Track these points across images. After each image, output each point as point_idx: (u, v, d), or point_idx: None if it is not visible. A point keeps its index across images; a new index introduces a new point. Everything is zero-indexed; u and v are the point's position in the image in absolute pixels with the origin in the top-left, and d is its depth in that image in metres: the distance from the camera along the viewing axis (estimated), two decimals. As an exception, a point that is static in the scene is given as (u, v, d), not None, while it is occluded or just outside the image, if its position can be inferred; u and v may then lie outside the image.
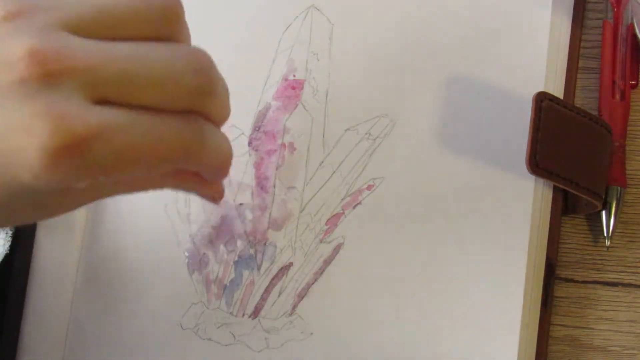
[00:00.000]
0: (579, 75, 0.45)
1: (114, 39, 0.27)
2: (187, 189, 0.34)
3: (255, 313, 0.45)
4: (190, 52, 0.28)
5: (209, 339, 0.45)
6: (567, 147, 0.41)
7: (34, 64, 0.25)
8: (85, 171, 0.25)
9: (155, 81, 0.27)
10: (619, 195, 0.42)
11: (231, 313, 0.45)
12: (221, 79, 0.30)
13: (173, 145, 0.27)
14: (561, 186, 0.41)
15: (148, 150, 0.26)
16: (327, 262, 0.44)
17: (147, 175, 0.31)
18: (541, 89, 0.42)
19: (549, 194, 0.42)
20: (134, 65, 0.26)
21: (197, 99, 0.28)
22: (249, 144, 0.47)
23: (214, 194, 0.35)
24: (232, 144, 0.46)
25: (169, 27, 0.28)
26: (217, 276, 0.46)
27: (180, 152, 0.28)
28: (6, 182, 0.26)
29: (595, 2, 0.45)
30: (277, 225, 0.45)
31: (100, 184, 0.29)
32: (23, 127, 0.24)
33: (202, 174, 0.32)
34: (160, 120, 0.27)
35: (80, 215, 0.49)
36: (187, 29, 0.29)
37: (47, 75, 0.25)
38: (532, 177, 0.41)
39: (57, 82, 0.25)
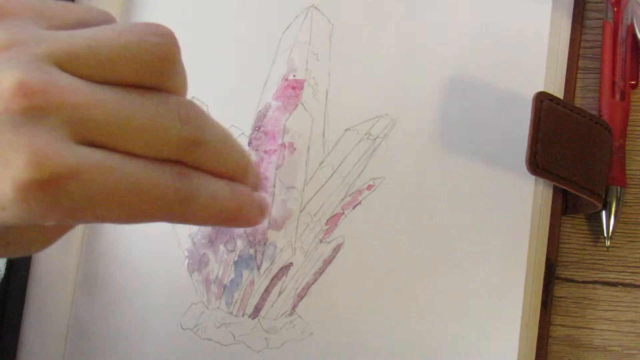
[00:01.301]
0: (579, 75, 0.45)
1: (103, 79, 0.26)
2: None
3: (255, 313, 0.45)
4: (180, 102, 0.27)
5: (209, 339, 0.45)
6: (567, 147, 0.41)
7: (21, 96, 0.24)
8: (55, 211, 0.24)
9: (141, 128, 0.26)
10: (619, 195, 0.42)
11: (231, 313, 0.45)
12: (215, 128, 0.28)
13: (152, 198, 0.26)
14: (561, 186, 0.41)
15: (125, 199, 0.26)
16: (327, 262, 0.44)
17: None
18: (541, 89, 0.42)
19: (549, 194, 0.42)
20: (122, 109, 0.26)
21: (185, 149, 0.27)
22: (249, 143, 0.47)
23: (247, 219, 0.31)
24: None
25: (162, 67, 0.27)
26: (217, 276, 0.46)
27: (159, 207, 0.26)
28: None
29: (595, 2, 0.45)
30: (277, 225, 0.45)
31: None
32: (0, 156, 0.24)
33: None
34: (143, 168, 0.26)
35: (80, 215, 0.49)
36: (182, 70, 0.28)
37: (33, 109, 0.24)
38: (532, 177, 0.41)
39: (42, 116, 0.24)
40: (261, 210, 0.30)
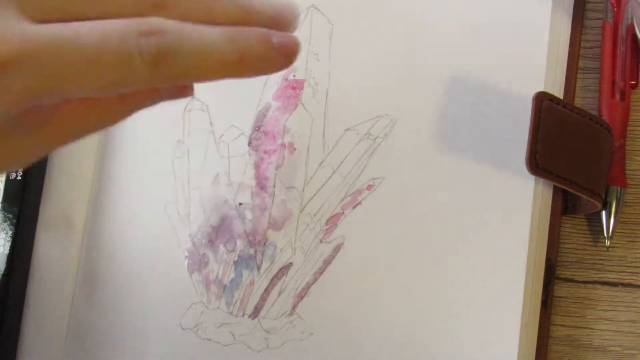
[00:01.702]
0: (579, 75, 0.45)
1: None
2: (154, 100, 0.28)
3: (255, 313, 0.45)
4: None
5: (209, 339, 0.45)
6: (567, 147, 0.41)
7: None
8: (15, 93, 0.23)
9: None
10: (619, 195, 0.42)
11: (231, 313, 0.45)
12: None
13: (111, 64, 0.24)
14: (561, 186, 0.41)
15: (85, 72, 0.23)
16: (327, 262, 0.44)
17: (111, 94, 0.26)
18: (541, 89, 0.42)
19: (549, 194, 0.42)
20: None
21: (152, 5, 0.25)
22: (249, 144, 0.47)
23: (179, 89, 0.28)
24: (232, 143, 0.47)
25: None
26: (216, 276, 0.46)
27: (123, 72, 0.24)
28: None
29: (595, 2, 0.45)
30: (277, 225, 0.45)
31: (56, 121, 0.26)
32: None
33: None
34: (99, 34, 0.24)
35: (80, 215, 0.49)
36: None
37: None
38: (532, 177, 0.41)
39: None
40: (284, 51, 0.25)
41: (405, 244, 0.43)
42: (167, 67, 0.24)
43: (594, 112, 0.43)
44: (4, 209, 0.48)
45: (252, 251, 0.46)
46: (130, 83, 0.24)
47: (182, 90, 0.28)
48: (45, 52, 0.24)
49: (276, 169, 0.46)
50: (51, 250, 0.49)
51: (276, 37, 0.25)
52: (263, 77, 0.47)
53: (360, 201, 0.44)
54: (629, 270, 0.42)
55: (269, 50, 0.25)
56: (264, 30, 0.25)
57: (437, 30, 0.45)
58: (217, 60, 0.25)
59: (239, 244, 0.46)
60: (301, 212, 0.45)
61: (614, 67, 0.43)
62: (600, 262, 0.43)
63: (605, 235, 0.42)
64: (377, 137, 0.45)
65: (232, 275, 0.46)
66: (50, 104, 0.26)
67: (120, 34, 0.24)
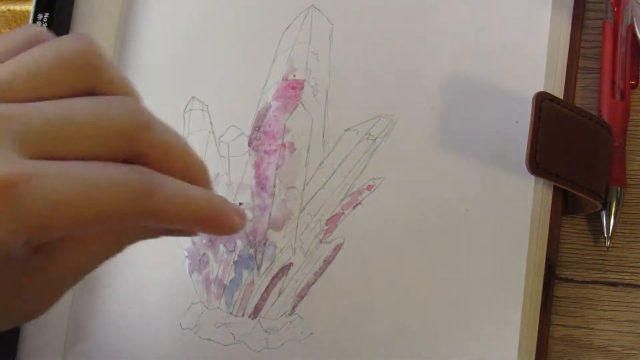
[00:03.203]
0: (579, 75, 0.45)
1: (38, 96, 0.26)
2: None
3: (255, 313, 0.45)
4: (117, 98, 0.27)
5: (209, 339, 0.45)
6: (567, 147, 0.41)
7: None
8: (20, 223, 0.23)
9: (86, 125, 0.26)
10: (619, 195, 0.42)
11: (231, 313, 0.45)
12: (158, 120, 0.27)
13: (114, 192, 0.25)
14: (561, 186, 0.41)
15: (85, 198, 0.24)
16: (327, 262, 0.44)
17: (102, 229, 0.27)
18: (541, 89, 0.42)
19: (549, 194, 0.42)
20: (62, 111, 0.25)
21: (134, 135, 0.26)
22: (249, 144, 0.47)
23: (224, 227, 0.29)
24: (232, 143, 0.47)
25: (90, 75, 0.27)
26: (216, 276, 0.46)
27: (124, 200, 0.25)
28: None
29: (595, 2, 0.45)
30: (277, 225, 0.45)
31: (62, 265, 0.27)
32: None
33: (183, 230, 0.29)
34: (98, 168, 0.25)
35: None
36: (113, 71, 0.28)
37: None
38: (532, 177, 0.41)
39: None
40: (240, 216, 0.29)
41: (405, 244, 0.43)
42: (159, 197, 0.26)
43: (594, 112, 0.43)
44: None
45: (252, 251, 0.46)
46: (126, 213, 0.26)
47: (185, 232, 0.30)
48: (50, 178, 0.24)
49: (276, 169, 0.46)
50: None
51: (233, 204, 0.29)
52: (263, 77, 0.47)
53: (360, 201, 0.44)
54: (629, 270, 0.42)
55: (231, 211, 0.28)
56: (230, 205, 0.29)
57: (437, 30, 0.45)
58: (194, 205, 0.27)
59: (239, 244, 0.46)
60: (301, 212, 0.45)
61: (614, 67, 0.43)
62: (600, 262, 0.43)
63: (605, 235, 0.42)
64: (377, 137, 0.45)
65: (232, 275, 0.46)
66: (49, 238, 0.26)
67: (119, 168, 0.26)
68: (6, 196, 0.23)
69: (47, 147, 0.25)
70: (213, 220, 0.28)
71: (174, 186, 0.27)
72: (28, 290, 0.27)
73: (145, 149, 0.27)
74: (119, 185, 0.25)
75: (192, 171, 0.28)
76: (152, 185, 0.26)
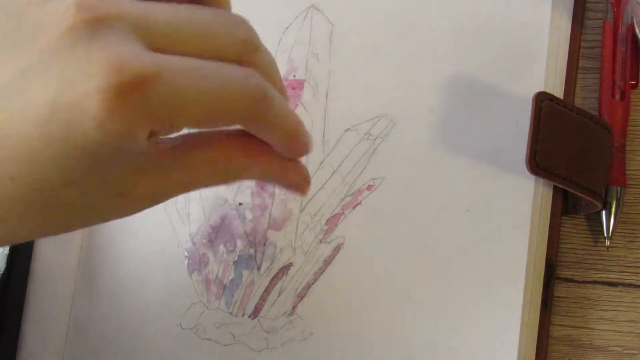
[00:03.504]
0: (579, 75, 0.45)
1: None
2: (266, 175, 0.30)
3: (255, 313, 0.45)
4: (233, 15, 0.28)
5: (209, 339, 0.45)
6: (567, 147, 0.41)
7: (81, 10, 0.24)
8: (149, 114, 0.24)
9: (204, 29, 0.26)
10: (619, 195, 0.42)
11: (231, 313, 0.45)
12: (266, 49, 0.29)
13: (238, 91, 0.26)
14: (561, 186, 0.41)
15: (212, 93, 0.25)
16: (327, 262, 0.44)
17: (213, 127, 0.28)
18: (541, 89, 0.42)
19: (549, 194, 0.42)
20: (181, 14, 0.26)
21: (246, 50, 0.27)
22: (249, 144, 0.47)
23: (298, 180, 0.30)
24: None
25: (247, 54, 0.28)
26: (216, 276, 0.46)
27: (247, 100, 0.26)
28: (72, 144, 0.24)
29: (595, 2, 0.45)
30: (277, 225, 0.45)
31: (173, 173, 0.28)
32: (80, 73, 0.23)
33: (275, 144, 0.29)
34: (220, 66, 0.26)
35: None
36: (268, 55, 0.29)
37: (97, 20, 0.24)
38: (532, 177, 0.41)
39: (108, 24, 0.24)
40: (304, 175, 0.30)
41: (405, 244, 0.43)
42: (267, 107, 0.27)
43: (594, 112, 0.43)
44: (4, 209, 0.48)
45: (252, 251, 0.46)
46: (238, 116, 0.26)
47: (301, 186, 0.31)
48: (180, 74, 0.24)
49: (276, 169, 0.46)
50: (51, 250, 0.49)
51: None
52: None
53: (360, 201, 0.44)
54: (629, 270, 0.42)
55: (307, 141, 0.30)
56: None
57: (437, 30, 0.45)
58: (288, 120, 0.28)
59: (239, 244, 0.46)
60: (301, 212, 0.45)
61: (614, 67, 0.43)
62: (600, 262, 0.43)
63: (605, 235, 0.42)
64: (377, 137, 0.45)
65: (232, 275, 0.46)
66: (168, 132, 0.26)
67: (236, 69, 0.26)
68: (139, 87, 0.23)
69: (165, 43, 0.25)
70: (302, 137, 0.29)
71: (278, 99, 0.27)
72: (145, 184, 0.27)
73: (256, 65, 0.27)
74: (242, 86, 0.26)
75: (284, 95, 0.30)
76: (268, 91, 0.27)
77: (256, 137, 0.28)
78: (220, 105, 0.26)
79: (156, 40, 0.25)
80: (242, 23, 0.27)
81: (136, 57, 0.24)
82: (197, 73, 0.25)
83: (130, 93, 0.23)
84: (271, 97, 0.27)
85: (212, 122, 0.26)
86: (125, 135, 0.24)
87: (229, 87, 0.26)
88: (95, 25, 0.24)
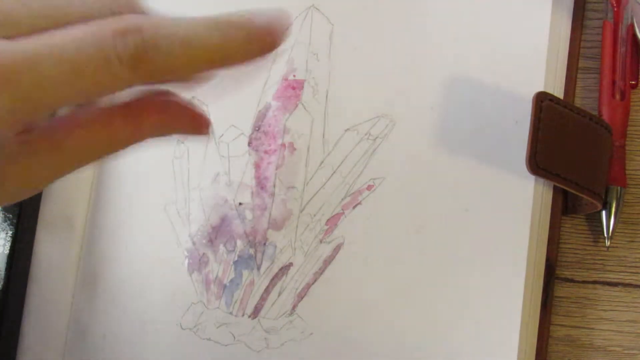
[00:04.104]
0: (579, 75, 0.45)
1: None
2: (154, 134, 0.28)
3: (255, 313, 0.45)
4: None
5: (209, 339, 0.45)
6: (567, 147, 0.41)
7: None
8: (15, 105, 0.23)
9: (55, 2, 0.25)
10: (619, 195, 0.42)
11: (231, 313, 0.45)
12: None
13: (91, 69, 0.23)
14: (561, 186, 0.41)
15: (70, 75, 0.23)
16: (327, 262, 0.44)
17: (97, 99, 0.26)
18: (541, 89, 0.42)
19: (549, 194, 0.42)
20: None
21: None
22: (249, 144, 0.47)
23: (196, 124, 0.28)
24: (232, 143, 0.47)
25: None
26: (216, 276, 0.46)
27: (104, 75, 0.23)
28: None
29: (595, 2, 0.45)
30: (277, 225, 0.45)
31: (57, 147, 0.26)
32: None
33: (180, 79, 0.26)
34: (74, 39, 0.23)
35: (80, 215, 0.49)
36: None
37: None
38: (532, 177, 0.41)
39: None
40: (270, 30, 0.24)
41: (405, 244, 0.43)
42: (148, 64, 0.24)
43: (594, 112, 0.43)
44: (4, 209, 0.48)
45: (252, 251, 0.46)
46: (113, 86, 0.24)
47: (197, 127, 0.28)
48: (23, 66, 0.23)
49: (276, 169, 0.46)
50: (51, 250, 0.49)
51: (260, 17, 0.25)
52: (263, 77, 0.47)
53: (360, 201, 0.44)
54: (629, 270, 0.42)
55: (254, 31, 0.24)
56: (246, 13, 0.25)
57: (437, 30, 0.45)
58: (198, 48, 0.24)
59: (239, 244, 0.46)
60: (301, 212, 0.45)
61: (614, 67, 0.43)
62: (600, 262, 0.43)
63: (605, 235, 0.42)
64: (377, 137, 0.45)
65: (232, 275, 0.46)
66: (42, 119, 0.25)
67: (95, 37, 0.24)
68: (6, 78, 0.23)
69: (22, 25, 0.24)
70: (223, 51, 0.24)
71: (174, 39, 0.24)
72: (24, 169, 0.26)
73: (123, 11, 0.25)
74: (97, 64, 0.23)
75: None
76: (138, 52, 0.24)
77: (146, 97, 0.26)
78: (84, 81, 0.24)
79: (14, 27, 0.24)
80: None
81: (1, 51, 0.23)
82: (49, 50, 0.23)
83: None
84: (152, 54, 0.24)
85: (86, 98, 0.24)
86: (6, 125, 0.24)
87: (84, 54, 0.23)
88: None
